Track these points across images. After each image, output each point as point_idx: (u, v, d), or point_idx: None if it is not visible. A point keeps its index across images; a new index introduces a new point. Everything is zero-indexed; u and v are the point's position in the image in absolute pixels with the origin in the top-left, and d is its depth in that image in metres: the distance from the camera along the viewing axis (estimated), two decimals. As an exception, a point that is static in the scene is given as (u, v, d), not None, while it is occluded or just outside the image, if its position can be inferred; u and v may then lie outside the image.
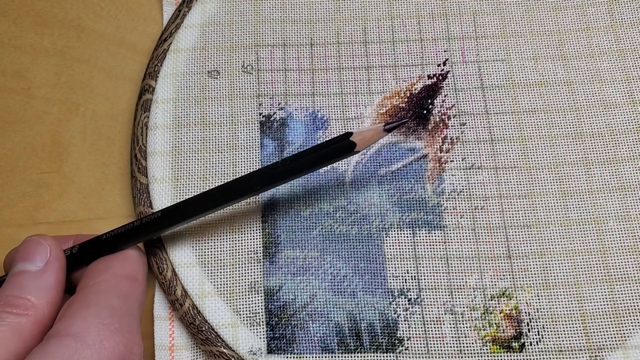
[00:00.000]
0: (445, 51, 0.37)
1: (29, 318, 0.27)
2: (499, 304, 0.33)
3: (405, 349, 0.32)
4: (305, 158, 0.30)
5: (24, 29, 0.40)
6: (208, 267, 0.33)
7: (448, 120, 0.36)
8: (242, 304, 0.33)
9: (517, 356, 0.32)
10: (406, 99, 0.36)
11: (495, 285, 0.33)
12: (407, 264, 0.33)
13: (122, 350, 0.27)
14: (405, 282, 0.33)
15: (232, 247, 0.34)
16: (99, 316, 0.27)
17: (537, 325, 0.32)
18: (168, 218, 0.31)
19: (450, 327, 0.32)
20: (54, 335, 0.26)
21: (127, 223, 0.31)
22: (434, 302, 0.33)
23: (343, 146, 0.30)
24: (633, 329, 0.32)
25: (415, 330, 0.32)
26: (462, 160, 0.35)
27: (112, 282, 0.29)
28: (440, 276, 0.33)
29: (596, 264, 0.33)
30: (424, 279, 0.33)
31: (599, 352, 0.32)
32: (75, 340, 0.26)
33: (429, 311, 0.33)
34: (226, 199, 0.31)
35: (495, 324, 0.32)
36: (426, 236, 0.34)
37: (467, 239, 0.34)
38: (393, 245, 0.34)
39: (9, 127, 0.38)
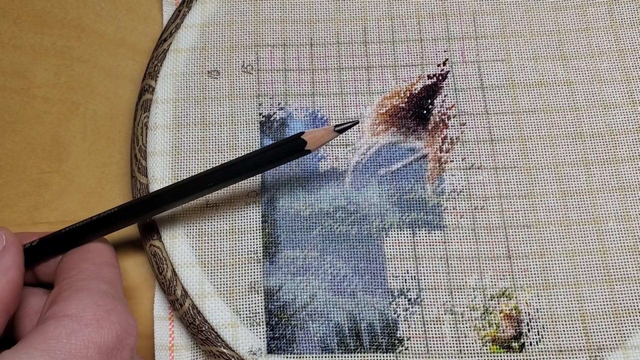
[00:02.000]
0: (445, 51, 0.37)
1: None
2: (498, 304, 0.33)
3: (405, 349, 0.32)
4: (258, 157, 0.31)
5: (24, 28, 0.40)
6: (208, 267, 0.33)
7: (448, 120, 0.36)
8: (242, 304, 0.33)
9: (517, 356, 0.32)
10: (406, 99, 0.36)
11: (495, 285, 0.33)
12: (407, 264, 0.33)
13: (118, 330, 0.27)
14: (405, 282, 0.33)
15: (232, 247, 0.34)
16: (93, 298, 0.28)
17: (537, 325, 0.32)
18: (124, 213, 0.32)
19: (450, 327, 0.32)
20: (51, 317, 0.27)
21: (86, 218, 0.32)
22: (433, 302, 0.33)
23: (295, 145, 0.30)
24: (633, 329, 0.32)
25: (415, 330, 0.32)
26: (462, 160, 0.35)
27: (94, 269, 0.30)
28: (440, 276, 0.33)
29: (596, 264, 0.33)
30: (424, 279, 0.33)
31: (598, 352, 0.32)
32: (72, 320, 0.26)
33: (428, 311, 0.33)
34: (179, 197, 0.31)
35: (495, 324, 0.32)
36: (426, 236, 0.34)
37: (467, 239, 0.34)
38: (393, 245, 0.34)
39: (9, 127, 0.38)
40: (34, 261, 0.32)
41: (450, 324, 0.32)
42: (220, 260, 0.34)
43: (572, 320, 0.32)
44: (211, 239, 0.34)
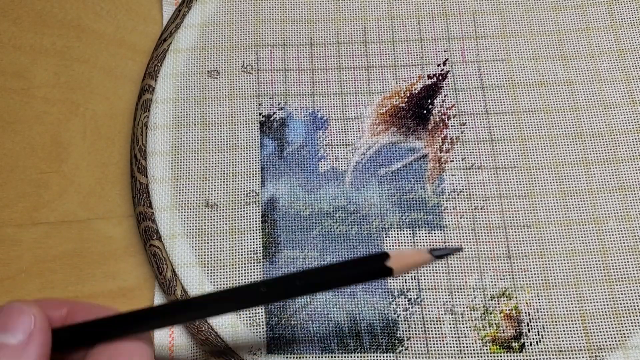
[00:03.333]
0: (445, 51, 0.38)
1: None
2: (498, 304, 0.33)
3: (405, 349, 0.32)
4: (328, 275, 0.25)
5: (24, 29, 0.40)
6: (208, 267, 0.34)
7: (448, 120, 0.36)
8: (242, 304, 0.33)
9: (517, 356, 0.32)
10: (406, 99, 0.37)
11: (495, 285, 0.33)
12: (407, 264, 0.33)
13: None
14: (405, 282, 0.33)
15: (232, 247, 0.34)
16: None
17: (537, 325, 0.32)
18: (177, 311, 0.27)
19: (450, 327, 0.32)
20: None
21: (131, 311, 0.26)
22: (433, 302, 0.33)
23: (376, 271, 0.25)
24: (633, 329, 0.32)
25: (415, 330, 0.32)
26: (462, 160, 0.35)
27: None
28: (440, 276, 0.33)
29: (596, 264, 0.33)
30: (424, 279, 0.33)
31: (599, 352, 0.32)
32: None
33: (428, 311, 0.33)
34: (234, 306, 0.26)
35: (495, 324, 0.32)
36: (426, 236, 0.34)
37: (467, 239, 0.34)
38: (393, 245, 0.34)
39: (9, 127, 0.38)
40: (60, 348, 0.27)
41: (450, 324, 0.32)
42: (220, 260, 0.34)
43: (572, 320, 0.32)
44: (211, 239, 0.34)
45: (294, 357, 0.32)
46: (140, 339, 0.26)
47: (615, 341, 0.32)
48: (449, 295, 0.33)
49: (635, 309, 0.32)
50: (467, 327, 0.32)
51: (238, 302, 0.26)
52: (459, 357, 0.32)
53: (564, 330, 0.32)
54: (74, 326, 0.26)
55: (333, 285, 0.26)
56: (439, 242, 0.34)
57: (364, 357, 0.32)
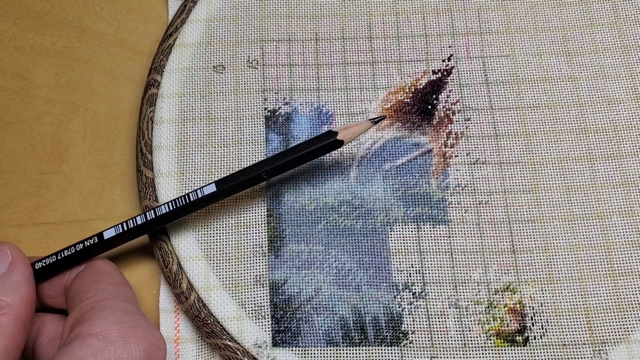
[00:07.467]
0: (450, 47, 0.39)
1: (7, 316, 0.28)
2: (503, 298, 0.34)
3: (410, 343, 0.33)
4: (291, 158, 0.33)
5: (24, 29, 0.41)
6: (213, 260, 0.35)
7: (453, 115, 0.37)
8: (248, 297, 0.34)
9: (520, 350, 0.33)
10: (411, 94, 0.38)
11: (500, 279, 0.34)
12: (411, 258, 0.35)
13: (145, 345, 0.28)
14: (410, 276, 0.34)
15: (238, 240, 0.35)
16: (117, 316, 0.29)
17: (541, 319, 0.33)
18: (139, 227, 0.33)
19: (455, 321, 0.33)
20: (76, 337, 0.28)
21: (87, 237, 0.33)
22: (438, 296, 0.34)
23: (331, 143, 0.33)
24: (636, 324, 0.33)
25: (420, 324, 0.33)
26: (467, 155, 0.36)
27: (111, 289, 0.31)
28: (444, 270, 0.34)
29: (600, 258, 0.34)
30: (429, 273, 0.34)
31: (602, 346, 0.33)
32: (97, 339, 0.27)
33: (433, 305, 0.34)
34: (203, 204, 0.33)
35: (500, 317, 0.33)
36: (431, 231, 0.35)
37: (471, 233, 0.35)
38: (397, 240, 0.35)
39: (9, 127, 0.39)
40: (40, 279, 0.33)
41: (454, 318, 0.33)
42: (226, 253, 0.35)
43: (575, 315, 0.33)
44: (216, 233, 0.35)
45: (299, 350, 0.33)
46: (107, 261, 0.33)
47: (619, 335, 0.33)
48: (453, 289, 0.34)
49: (638, 304, 0.33)
50: (471, 321, 0.33)
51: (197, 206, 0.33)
52: (463, 351, 0.33)
53: (567, 324, 0.33)
54: (48, 257, 0.33)
55: (299, 161, 0.33)
56: (444, 237, 0.35)
57: (368, 350, 0.33)
